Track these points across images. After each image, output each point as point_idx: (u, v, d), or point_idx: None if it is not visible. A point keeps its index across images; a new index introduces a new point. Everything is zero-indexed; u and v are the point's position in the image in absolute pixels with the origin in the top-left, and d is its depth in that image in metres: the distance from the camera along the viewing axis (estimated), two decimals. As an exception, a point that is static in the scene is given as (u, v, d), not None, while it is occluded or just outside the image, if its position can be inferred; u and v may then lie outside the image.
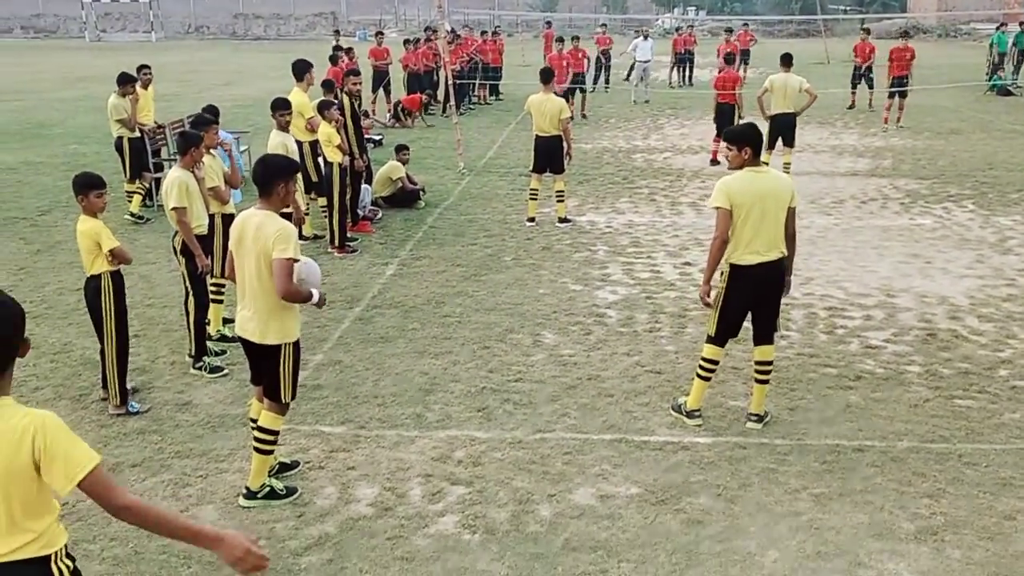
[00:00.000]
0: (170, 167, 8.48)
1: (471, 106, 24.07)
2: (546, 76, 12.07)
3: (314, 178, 11.27)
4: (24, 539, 2.90)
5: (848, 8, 60.38)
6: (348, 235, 11.11)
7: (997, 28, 26.86)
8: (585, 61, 22.81)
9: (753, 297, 6.27)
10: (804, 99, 14.29)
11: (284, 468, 5.84)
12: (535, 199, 12.16)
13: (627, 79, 27.85)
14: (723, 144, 6.38)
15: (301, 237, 10.91)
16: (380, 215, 12.52)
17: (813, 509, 5.44)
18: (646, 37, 25.55)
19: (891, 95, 20.17)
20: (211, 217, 7.70)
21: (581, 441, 6.27)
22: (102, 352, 6.69)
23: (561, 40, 22.04)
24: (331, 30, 32.11)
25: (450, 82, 16.93)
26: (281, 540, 5.18)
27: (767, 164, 13.85)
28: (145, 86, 13.20)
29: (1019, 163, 15.94)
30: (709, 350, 6.47)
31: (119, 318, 6.62)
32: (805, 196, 13.45)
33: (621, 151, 17.64)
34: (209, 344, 7.68)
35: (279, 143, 9.77)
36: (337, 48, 20.66)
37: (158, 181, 12.07)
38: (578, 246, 11.07)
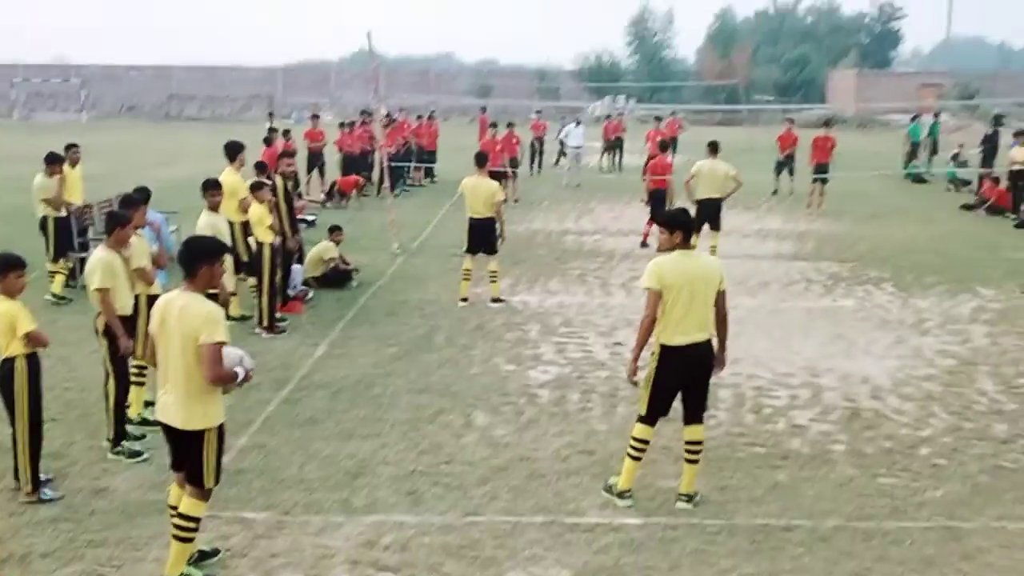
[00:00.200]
0: (95, 247, 8.34)
1: (406, 188, 24.24)
2: (480, 160, 12.26)
3: (245, 258, 11.17)
4: None
5: (771, 98, 62.83)
6: (277, 315, 10.99)
7: (912, 119, 28.13)
8: (518, 147, 23.26)
9: (683, 377, 6.36)
10: (730, 185, 14.71)
11: (204, 556, 5.64)
12: (468, 279, 12.21)
13: (555, 164, 28.43)
14: (656, 227, 6.54)
15: (228, 317, 10.81)
16: (311, 295, 12.42)
17: (743, 590, 5.43)
18: (578, 123, 26.21)
19: (814, 181, 20.89)
20: (136, 298, 7.55)
21: (512, 524, 6.19)
22: (13, 437, 6.44)
23: (495, 125, 22.45)
24: (266, 112, 32.20)
25: (384, 164, 17.06)
26: (198, 632, 4.96)
27: (695, 247, 14.16)
28: (73, 165, 13.05)
29: (935, 247, 16.55)
30: (640, 429, 6.50)
31: (32, 402, 6.39)
32: (732, 278, 13.61)
33: (553, 233, 17.87)
34: (129, 428, 7.46)
35: (208, 223, 9.72)
36: (272, 130, 20.75)
37: (83, 261, 11.83)
38: (511, 326, 11.10)
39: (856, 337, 10.77)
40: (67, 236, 12.64)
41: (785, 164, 23.33)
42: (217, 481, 5.39)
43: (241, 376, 5.27)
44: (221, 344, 5.07)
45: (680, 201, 15.00)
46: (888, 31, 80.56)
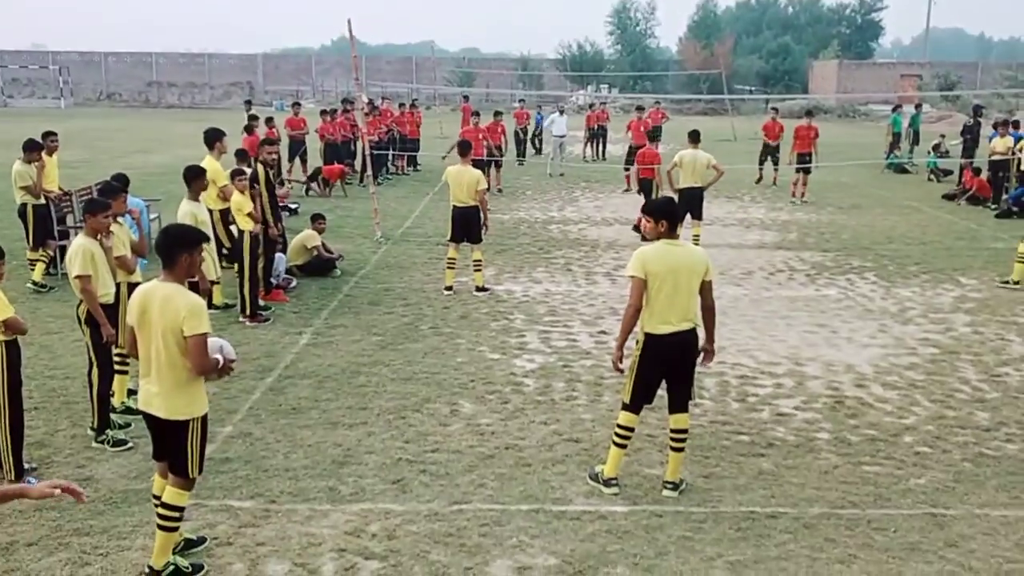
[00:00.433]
0: (75, 235, 8.25)
1: (388, 176, 24.16)
2: (464, 148, 12.23)
3: (227, 245, 11.10)
4: None
5: (753, 88, 63.02)
6: (261, 304, 10.94)
7: (893, 109, 28.27)
8: (503, 136, 23.23)
9: (666, 366, 6.38)
10: (711, 174, 14.74)
11: (190, 544, 5.61)
12: (452, 268, 12.18)
13: (536, 152, 28.36)
14: (643, 216, 6.53)
15: (211, 306, 10.76)
16: (295, 284, 12.36)
17: (729, 577, 5.46)
18: (562, 112, 26.19)
19: (797, 171, 20.98)
20: (117, 286, 7.49)
21: (498, 512, 6.20)
22: (-5, 426, 6.37)
23: (477, 114, 22.39)
24: (245, 99, 31.96)
25: (367, 152, 16.99)
26: (185, 621, 4.94)
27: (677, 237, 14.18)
28: (50, 153, 12.92)
29: (917, 237, 16.66)
30: (624, 417, 6.52)
31: (12, 390, 6.32)
32: (715, 267, 13.74)
33: (537, 222, 17.86)
34: (113, 416, 7.40)
35: (188, 212, 9.65)
36: (252, 118, 20.61)
37: (63, 249, 11.73)
38: (495, 315, 11.10)
39: (839, 326, 10.83)
40: (47, 224, 12.51)
41: (771, 154, 23.38)
42: (200, 471, 5.37)
43: (221, 363, 5.25)
44: (205, 335, 5.05)
45: (664, 191, 15.06)
46: (869, 22, 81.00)
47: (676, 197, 14.34)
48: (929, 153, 26.12)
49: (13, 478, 6.35)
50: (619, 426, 6.55)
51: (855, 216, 18.96)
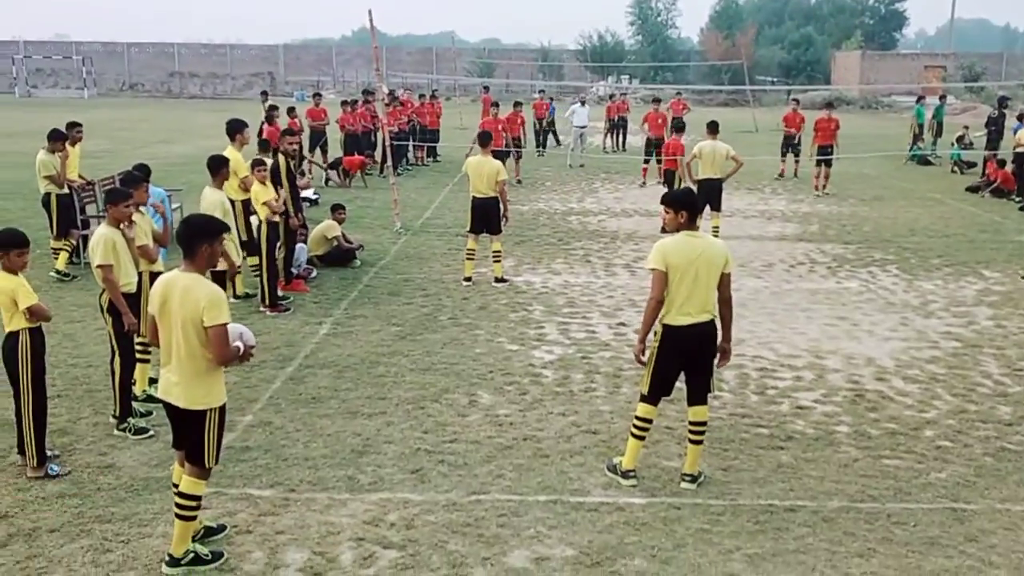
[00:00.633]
0: (98, 224, 8.32)
1: (408, 167, 24.19)
2: (484, 139, 12.23)
3: (245, 237, 11.16)
4: None
5: (775, 79, 62.60)
6: (281, 294, 10.99)
7: (917, 100, 28.00)
8: (522, 127, 23.20)
9: (685, 357, 6.36)
10: (731, 165, 14.66)
11: (210, 532, 5.66)
12: (472, 259, 12.19)
13: (557, 143, 28.20)
14: (662, 207, 6.50)
15: (234, 296, 10.83)
16: (315, 274, 12.41)
17: (747, 570, 5.44)
18: (583, 103, 26.09)
19: (818, 163, 20.83)
20: (139, 275, 7.54)
21: (516, 503, 6.21)
22: (18, 412, 6.45)
23: (496, 105, 22.37)
24: (262, 91, 31.98)
25: (387, 143, 17.02)
26: (205, 608, 4.99)
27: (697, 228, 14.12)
28: (74, 144, 13.02)
29: (939, 229, 16.52)
30: (642, 409, 6.51)
31: (36, 377, 6.39)
32: (736, 259, 13.57)
33: (557, 213, 17.84)
34: (134, 405, 7.46)
35: (217, 201, 9.72)
36: (272, 108, 20.68)
37: (86, 238, 11.84)
38: (514, 306, 11.10)
39: (860, 319, 10.76)
40: (70, 213, 12.63)
41: (791, 145, 23.22)
42: (217, 461, 5.40)
43: (241, 351, 5.29)
44: (225, 326, 5.08)
45: (686, 182, 15.02)
46: (893, 12, 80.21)
47: (695, 188, 14.33)
48: (953, 145, 25.87)
49: (36, 464, 6.42)
50: (637, 418, 6.54)
51: (877, 208, 18.82)
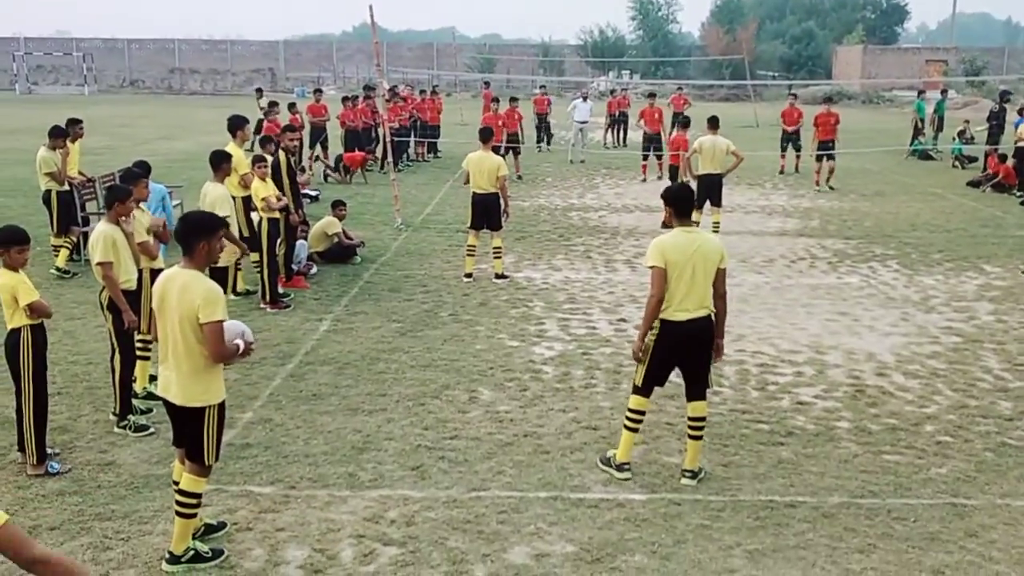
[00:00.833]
0: (97, 221, 8.32)
1: (409, 163, 24.17)
2: (485, 135, 12.21)
3: (246, 233, 11.16)
4: None
5: (776, 74, 62.49)
6: (282, 290, 11.00)
7: (918, 95, 27.95)
8: (520, 123, 23.16)
9: (680, 352, 6.37)
10: (731, 161, 14.62)
11: (210, 529, 5.66)
12: (472, 255, 12.19)
13: (545, 141, 28.03)
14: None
15: (235, 293, 10.84)
16: (315, 270, 12.41)
17: (747, 566, 5.45)
18: (585, 99, 26.04)
19: (819, 158, 20.79)
20: (139, 272, 7.54)
21: (517, 499, 6.21)
22: (18, 410, 6.45)
23: (497, 100, 22.33)
24: (265, 86, 32.02)
25: (388, 139, 17.00)
26: (205, 605, 4.99)
27: (697, 223, 14.17)
28: (75, 140, 13.02)
29: (940, 224, 16.50)
30: (635, 401, 6.54)
31: (37, 374, 6.40)
32: (736, 255, 13.72)
33: (557, 209, 17.83)
34: (135, 402, 7.47)
35: (223, 195, 9.80)
36: (273, 104, 20.69)
37: (86, 235, 11.83)
38: (515, 302, 11.09)
39: (861, 314, 10.75)
40: (70, 210, 12.63)
41: (790, 141, 23.18)
42: (217, 458, 5.40)
43: (241, 348, 5.29)
44: (221, 323, 5.08)
45: (686, 177, 15.00)
46: (894, 6, 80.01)
47: (695, 183, 14.32)
48: (954, 139, 25.83)
49: (36, 462, 6.43)
50: (630, 410, 6.56)
51: (878, 203, 18.79)
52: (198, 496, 5.38)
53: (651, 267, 6.26)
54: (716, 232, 14.13)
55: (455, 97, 43.12)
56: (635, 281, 12.03)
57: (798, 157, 23.19)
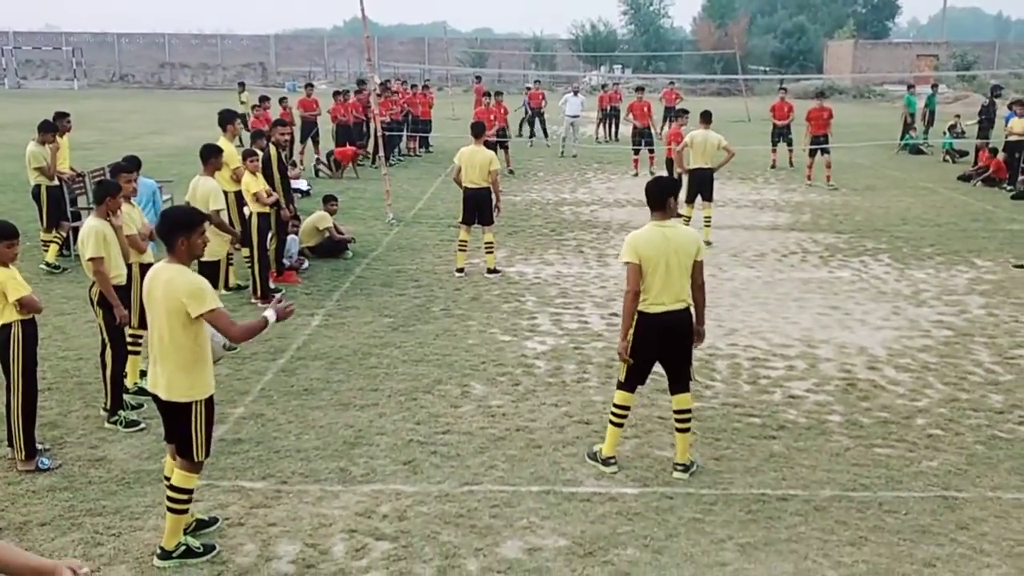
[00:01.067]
0: (87, 216, 8.28)
1: (400, 158, 24.12)
2: (477, 129, 12.19)
3: (239, 228, 11.12)
4: None
5: (768, 69, 62.56)
6: (273, 285, 10.97)
7: (908, 89, 28.00)
8: (507, 117, 23.12)
9: (660, 344, 6.39)
10: (722, 155, 14.58)
11: (202, 525, 5.65)
12: (464, 250, 12.17)
13: (526, 132, 28.03)
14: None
15: (226, 287, 10.81)
16: (307, 265, 12.38)
17: (739, 559, 5.45)
18: (576, 93, 26.00)
19: (811, 153, 20.79)
20: (129, 267, 7.51)
21: (509, 493, 6.21)
22: (8, 405, 6.42)
23: (488, 95, 22.30)
24: (259, 81, 31.99)
25: (379, 134, 16.96)
26: (197, 601, 4.98)
27: (689, 218, 14.15)
28: (62, 134, 12.95)
29: (931, 218, 16.54)
30: (619, 396, 6.56)
31: (27, 370, 6.36)
32: (728, 249, 13.75)
33: (549, 203, 17.82)
34: (126, 397, 7.44)
35: (214, 188, 9.75)
36: (263, 99, 20.65)
37: (76, 230, 11.78)
38: (507, 297, 11.09)
39: (852, 308, 10.77)
40: (60, 205, 12.56)
41: (781, 135, 23.19)
42: (207, 454, 5.38)
43: (271, 320, 5.26)
44: (215, 310, 5.07)
45: (678, 170, 14.99)
46: (886, 1, 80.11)
47: (687, 178, 14.32)
48: (944, 134, 25.89)
49: (24, 458, 6.40)
50: (615, 405, 6.59)
51: (869, 197, 18.83)
52: (189, 492, 5.36)
53: (626, 263, 6.29)
54: (708, 226, 14.15)
55: (446, 92, 43.02)
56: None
57: (790, 151, 23.21)
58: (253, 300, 10.65)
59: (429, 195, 18.58)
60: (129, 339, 7.64)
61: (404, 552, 5.47)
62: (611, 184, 20.48)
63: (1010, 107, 21.04)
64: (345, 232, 13.42)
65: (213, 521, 5.72)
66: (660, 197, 6.36)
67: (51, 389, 7.85)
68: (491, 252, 12.21)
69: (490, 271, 12.12)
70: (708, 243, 13.86)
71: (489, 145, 15.38)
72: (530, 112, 27.88)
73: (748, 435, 7.20)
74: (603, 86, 32.77)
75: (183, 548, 5.33)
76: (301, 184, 17.63)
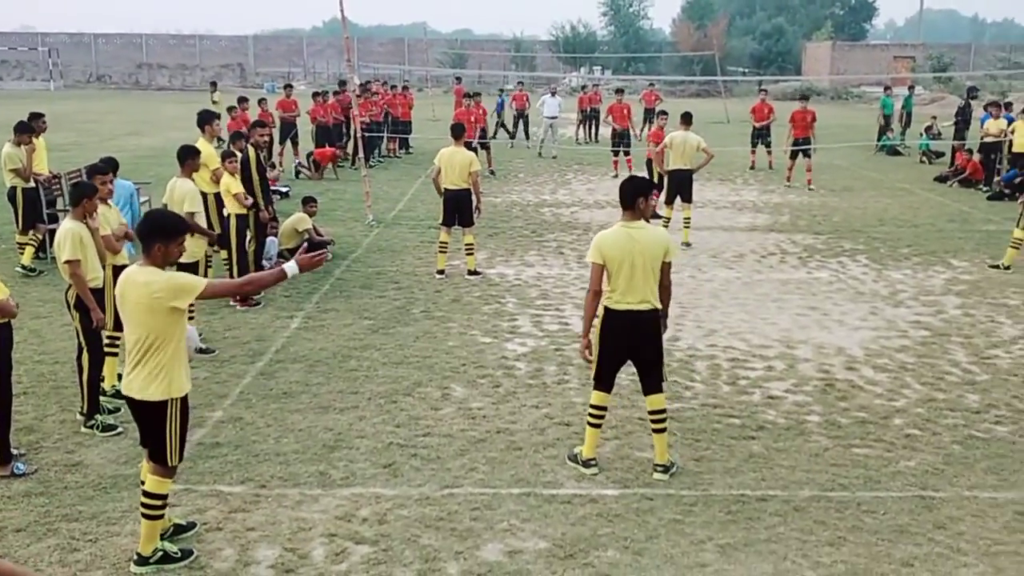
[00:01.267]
0: (64, 218, 8.20)
1: (380, 159, 24.05)
2: (457, 131, 12.16)
3: (218, 230, 11.05)
4: None
5: (747, 70, 62.86)
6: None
7: (884, 91, 28.21)
8: (485, 118, 23.11)
9: (628, 342, 6.42)
10: (701, 157, 14.59)
11: (180, 530, 5.60)
12: (444, 252, 12.15)
13: (510, 135, 28.07)
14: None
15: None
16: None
17: (719, 560, 5.47)
18: (554, 94, 26.02)
19: (793, 155, 20.84)
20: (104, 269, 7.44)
21: (489, 496, 6.20)
22: (-18, 410, 6.35)
23: (469, 96, 22.29)
24: (237, 82, 31.86)
25: (359, 135, 16.92)
26: (175, 607, 4.94)
27: (668, 219, 14.19)
28: (38, 135, 12.83)
29: (908, 219, 16.66)
30: (595, 396, 6.60)
31: (1, 374, 6.29)
32: (707, 250, 13.79)
33: (530, 205, 17.82)
34: (102, 400, 7.37)
35: (191, 191, 9.52)
36: (242, 99, 20.55)
37: (52, 232, 11.67)
38: (487, 298, 11.08)
39: (831, 309, 10.84)
40: (36, 207, 12.44)
41: (760, 137, 23.28)
42: (180, 458, 5.32)
43: (295, 269, 5.47)
44: (207, 286, 5.14)
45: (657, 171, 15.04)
46: (863, 3, 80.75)
47: (666, 179, 14.36)
48: (921, 135, 26.09)
49: None
50: (592, 406, 6.61)
51: (847, 198, 18.95)
52: (163, 497, 5.32)
53: (591, 262, 6.33)
54: (687, 227, 14.20)
55: (426, 92, 42.94)
56: (607, 277, 12.03)
57: (769, 153, 23.30)
58: (232, 303, 10.58)
59: (409, 196, 18.54)
60: (106, 341, 7.57)
61: (384, 556, 5.45)
62: (591, 185, 20.51)
63: (986, 108, 21.22)
64: (325, 234, 13.36)
65: (191, 526, 5.68)
66: (630, 197, 6.36)
67: (27, 393, 7.77)
68: (471, 254, 12.20)
69: (470, 273, 12.11)
70: (687, 244, 13.91)
71: (470, 147, 15.39)
72: (514, 113, 27.90)
73: (728, 436, 7.23)
74: (583, 87, 32.77)
75: (160, 554, 5.29)
76: (280, 186, 17.54)
